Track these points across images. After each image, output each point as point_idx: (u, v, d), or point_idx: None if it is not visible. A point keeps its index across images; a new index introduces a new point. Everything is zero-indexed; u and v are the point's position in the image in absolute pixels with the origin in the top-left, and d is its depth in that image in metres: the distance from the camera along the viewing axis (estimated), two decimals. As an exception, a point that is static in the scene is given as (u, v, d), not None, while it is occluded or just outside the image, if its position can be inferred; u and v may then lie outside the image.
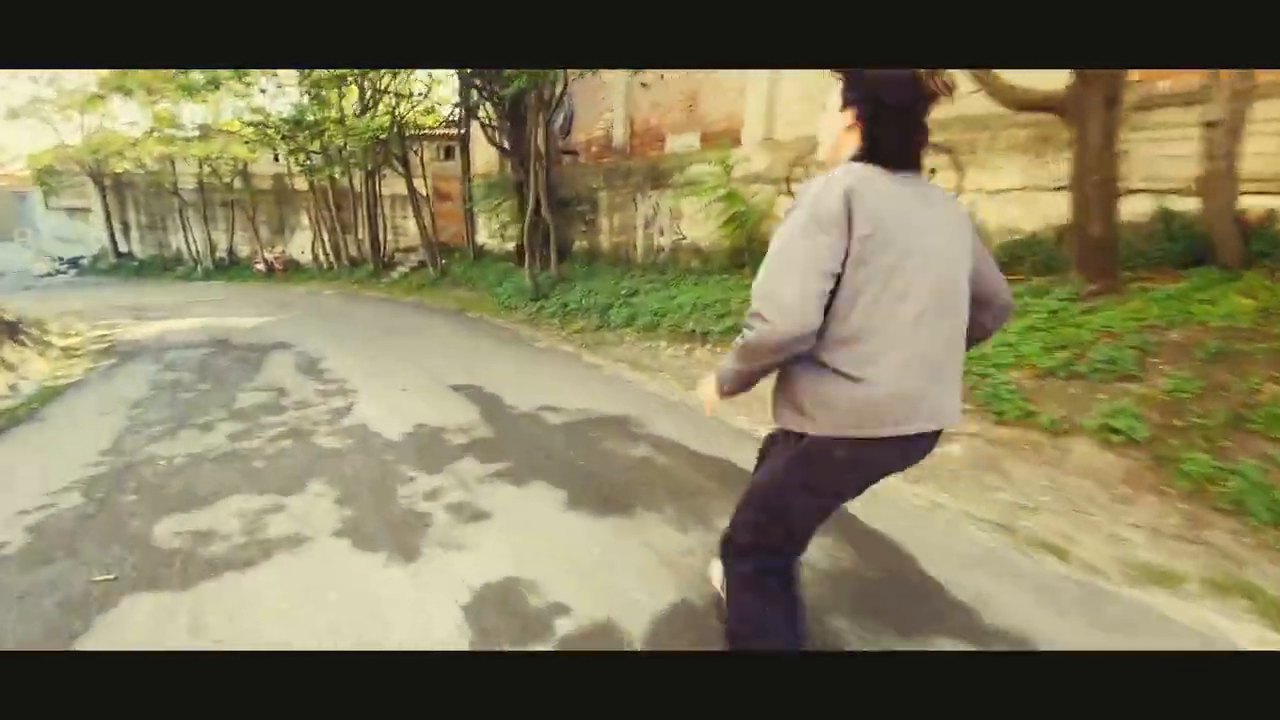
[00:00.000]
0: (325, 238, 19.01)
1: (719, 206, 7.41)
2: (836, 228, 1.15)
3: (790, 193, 7.29)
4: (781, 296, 1.16)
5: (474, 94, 12.94)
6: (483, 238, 16.35)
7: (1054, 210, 5.05)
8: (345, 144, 15.51)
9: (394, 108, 15.16)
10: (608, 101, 10.77)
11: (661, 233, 9.32)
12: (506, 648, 1.95)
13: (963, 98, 6.91)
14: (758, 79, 7.68)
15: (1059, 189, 4.89)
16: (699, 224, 8.53)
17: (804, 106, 7.28)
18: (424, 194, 16.11)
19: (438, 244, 15.82)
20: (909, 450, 1.32)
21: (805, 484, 1.37)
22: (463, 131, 15.87)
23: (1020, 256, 5.19)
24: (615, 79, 10.37)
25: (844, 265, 1.17)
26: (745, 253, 7.54)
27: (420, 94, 15.75)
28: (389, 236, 18.83)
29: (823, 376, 1.24)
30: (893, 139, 1.26)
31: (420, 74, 16.14)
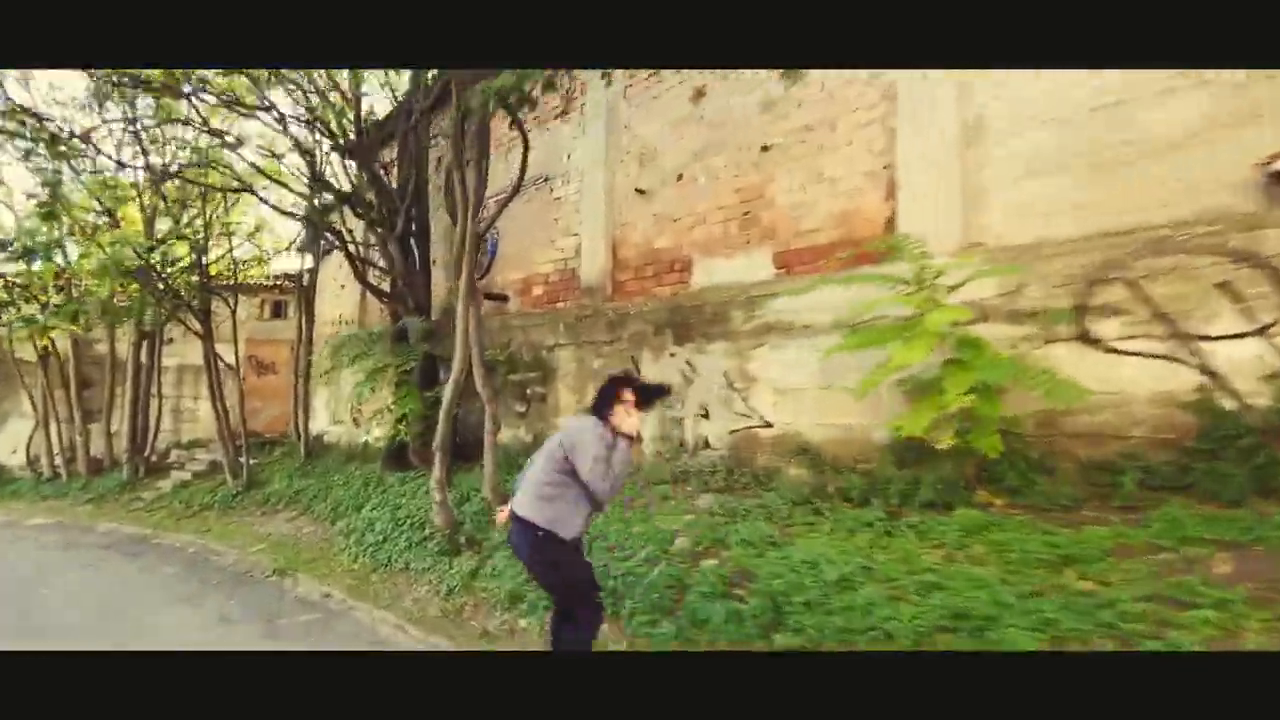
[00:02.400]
0: (56, 429, 12.28)
1: (898, 365, 3.58)
2: None
3: (1088, 339, 3.56)
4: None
5: (340, 218, 8.62)
6: (321, 423, 11.00)
7: None
8: (101, 285, 9.91)
9: (200, 242, 10.11)
10: (564, 222, 7.07)
11: (705, 415, 5.21)
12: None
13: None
14: (928, 140, 4.36)
15: None
16: (802, 398, 4.60)
17: (1060, 181, 3.83)
18: (233, 363, 10.65)
19: (246, 435, 10.15)
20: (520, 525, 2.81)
21: None
22: (305, 283, 11.10)
23: None
24: (584, 189, 6.79)
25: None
26: (997, 465, 3.56)
27: (246, 229, 11.06)
28: (164, 425, 12.49)
29: None
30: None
31: (251, 210, 11.68)
